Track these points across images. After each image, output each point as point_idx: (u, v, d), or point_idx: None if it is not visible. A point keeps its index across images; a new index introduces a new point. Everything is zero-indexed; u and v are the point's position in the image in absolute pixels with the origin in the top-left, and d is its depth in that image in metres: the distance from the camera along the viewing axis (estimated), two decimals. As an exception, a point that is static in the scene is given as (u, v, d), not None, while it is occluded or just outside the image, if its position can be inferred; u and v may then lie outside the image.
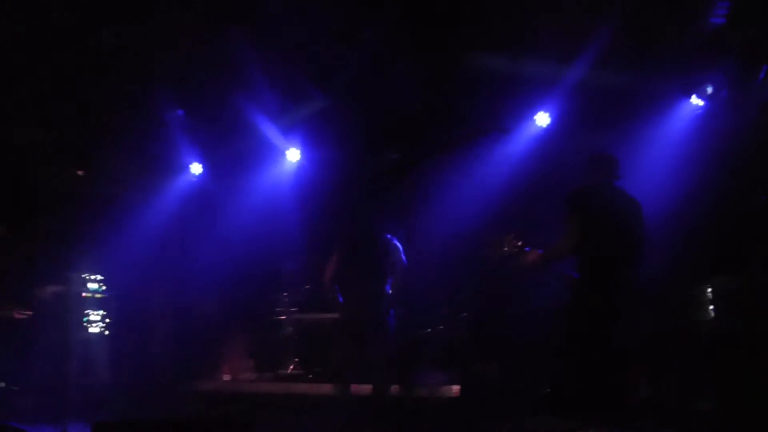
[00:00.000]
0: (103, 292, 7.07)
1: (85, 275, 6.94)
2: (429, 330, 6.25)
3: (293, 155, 7.28)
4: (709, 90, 5.82)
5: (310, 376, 6.74)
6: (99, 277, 7.06)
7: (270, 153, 7.36)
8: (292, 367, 6.94)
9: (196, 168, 7.70)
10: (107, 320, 7.06)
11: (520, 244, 4.19)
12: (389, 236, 4.86)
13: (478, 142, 5.63)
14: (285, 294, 7.24)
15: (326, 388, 5.98)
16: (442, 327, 6.25)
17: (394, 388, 4.87)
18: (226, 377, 7.19)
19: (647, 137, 5.85)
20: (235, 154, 7.45)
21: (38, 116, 6.37)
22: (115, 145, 7.19)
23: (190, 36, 5.88)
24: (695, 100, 5.94)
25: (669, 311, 5.13)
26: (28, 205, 6.86)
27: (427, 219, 5.27)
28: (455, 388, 5.41)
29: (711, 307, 5.02)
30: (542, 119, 6.32)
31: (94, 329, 6.96)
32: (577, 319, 4.05)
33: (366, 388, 4.86)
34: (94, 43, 5.90)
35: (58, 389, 5.89)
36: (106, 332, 7.03)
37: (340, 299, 4.98)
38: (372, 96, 6.01)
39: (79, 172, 7.01)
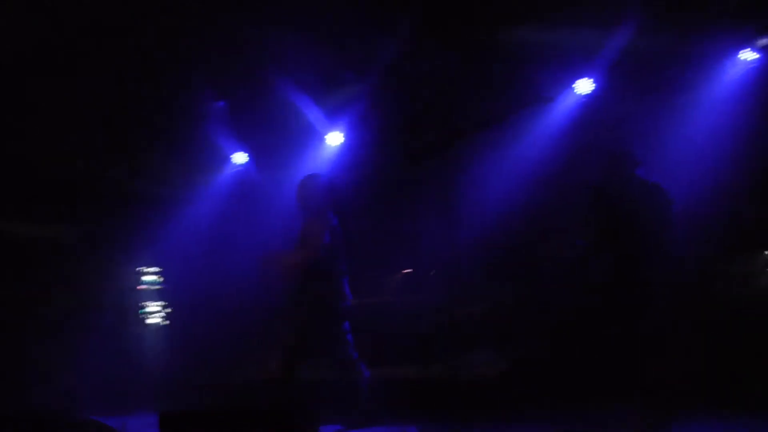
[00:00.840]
0: (159, 284, 7.26)
1: (142, 269, 7.14)
2: (475, 309, 6.26)
3: (334, 139, 7.30)
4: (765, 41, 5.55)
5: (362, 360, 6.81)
6: (155, 269, 7.24)
7: (312, 138, 7.39)
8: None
9: (239, 158, 7.79)
10: (165, 312, 7.25)
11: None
12: None
13: (520, 114, 5.54)
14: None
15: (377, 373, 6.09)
16: (488, 306, 6.24)
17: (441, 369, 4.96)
18: (275, 366, 7.29)
19: (696, 101, 5.67)
20: (277, 141, 7.50)
21: (87, 120, 6.51)
22: (161, 143, 7.31)
23: (228, 26, 5.91)
24: (747, 55, 5.68)
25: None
26: (84, 206, 7.05)
27: (470, 197, 5.23)
28: (503, 368, 5.39)
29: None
30: (584, 86, 6.20)
31: (152, 321, 7.16)
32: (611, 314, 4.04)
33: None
34: (136, 41, 6.00)
35: (122, 381, 6.09)
36: (164, 323, 7.22)
37: None
38: (409, 75, 5.97)
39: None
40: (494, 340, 5.78)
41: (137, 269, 7.12)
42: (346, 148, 7.25)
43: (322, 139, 7.38)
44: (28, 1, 5.16)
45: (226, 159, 7.81)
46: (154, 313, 7.19)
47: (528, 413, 4.75)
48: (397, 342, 6.38)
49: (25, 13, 5.24)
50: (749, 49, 5.67)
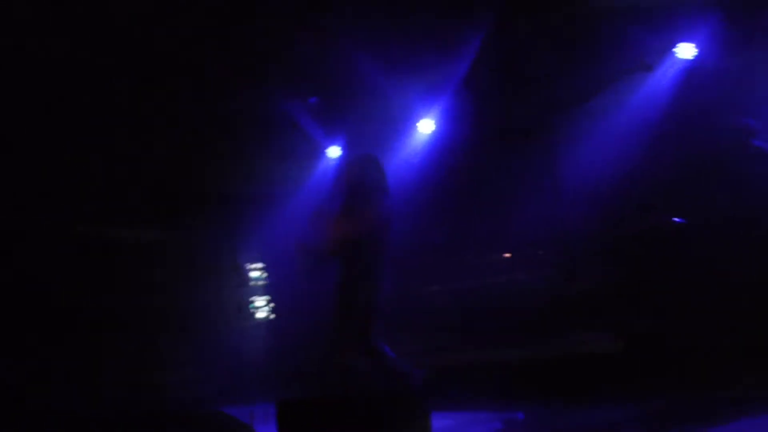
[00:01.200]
0: (265, 279, 7.48)
1: (248, 264, 7.39)
2: (582, 284, 6.11)
3: (426, 126, 7.28)
4: None
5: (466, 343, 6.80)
6: (260, 264, 7.47)
7: (403, 127, 7.39)
8: (445, 336, 7.02)
9: (334, 152, 7.89)
10: (271, 305, 7.47)
11: None
12: None
13: (618, 84, 5.33)
14: (434, 265, 7.31)
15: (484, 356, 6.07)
16: (595, 281, 6.08)
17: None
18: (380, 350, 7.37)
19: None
20: (369, 131, 7.54)
21: (189, 124, 6.75)
22: (260, 142, 7.51)
23: (319, 20, 5.98)
24: None
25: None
26: (191, 207, 7.33)
27: (572, 173, 5.11)
28: (616, 346, 5.24)
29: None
30: (686, 51, 5.88)
31: (260, 314, 7.39)
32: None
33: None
34: (228, 41, 6.17)
35: (237, 373, 6.32)
36: (272, 316, 7.44)
37: None
38: (502, 53, 5.86)
39: None
40: (606, 318, 5.62)
41: (244, 266, 7.36)
42: (440, 133, 7.22)
43: (413, 127, 7.38)
44: (131, 9, 5.38)
45: (322, 153, 7.93)
46: (262, 307, 7.42)
47: (643, 392, 4.60)
48: (503, 324, 6.32)
49: (126, 19, 5.47)
50: None
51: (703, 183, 4.97)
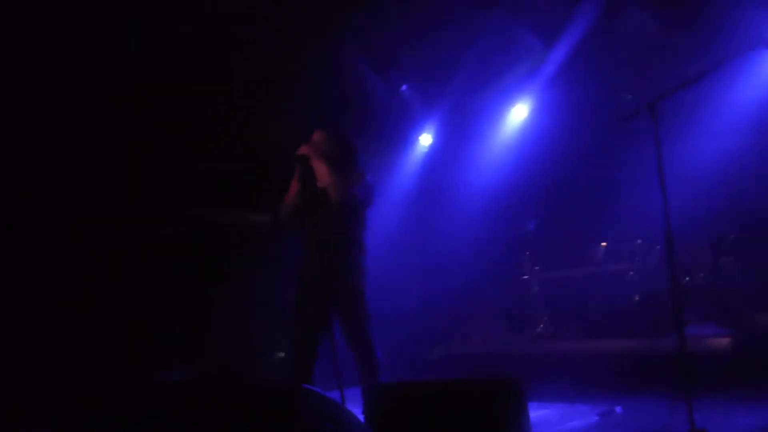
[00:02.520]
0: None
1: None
2: (687, 278, 5.89)
3: (520, 113, 7.16)
4: None
5: (562, 334, 6.69)
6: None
7: (497, 112, 7.30)
8: (542, 326, 6.92)
9: (425, 139, 7.88)
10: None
11: None
12: None
13: (731, 65, 5.03)
14: (527, 253, 7.23)
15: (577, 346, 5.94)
16: (702, 274, 5.85)
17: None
18: (478, 340, 7.35)
19: None
20: (462, 118, 7.49)
21: (286, 116, 6.87)
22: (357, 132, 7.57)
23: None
24: None
25: None
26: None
27: (679, 159, 4.87)
28: (726, 341, 5.02)
29: None
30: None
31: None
32: None
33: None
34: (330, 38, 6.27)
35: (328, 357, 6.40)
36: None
37: None
38: (606, 34, 5.68)
39: None
40: (718, 310, 5.38)
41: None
42: (534, 121, 7.08)
43: (505, 114, 7.28)
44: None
45: (414, 141, 7.93)
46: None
47: (756, 391, 4.38)
48: (603, 314, 6.17)
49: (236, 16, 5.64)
50: None
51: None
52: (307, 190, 4.03)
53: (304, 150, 4.07)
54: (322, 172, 3.98)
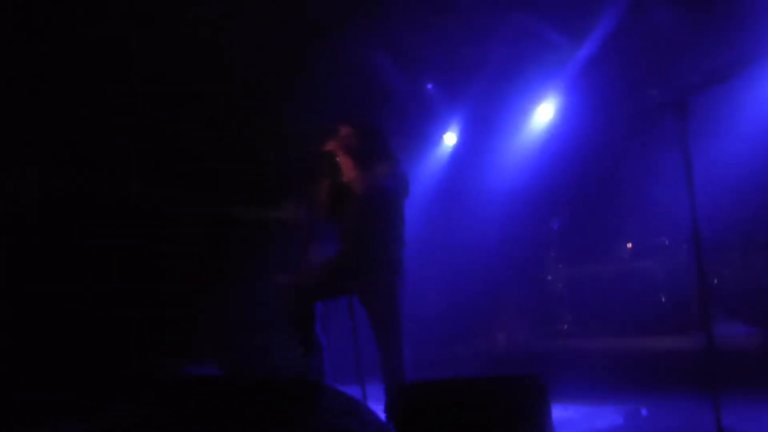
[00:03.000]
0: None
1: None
2: (716, 278, 5.80)
3: (546, 111, 7.12)
4: None
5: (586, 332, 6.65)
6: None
7: (522, 111, 7.27)
8: (565, 324, 6.89)
9: (450, 138, 7.86)
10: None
11: None
12: None
13: (762, 63, 4.95)
14: (552, 252, 7.19)
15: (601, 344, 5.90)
16: (731, 273, 5.77)
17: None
18: (502, 338, 7.32)
19: None
20: (487, 116, 7.47)
21: (312, 113, 6.91)
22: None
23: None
24: None
25: None
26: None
27: (708, 157, 4.80)
28: (755, 341, 4.95)
29: None
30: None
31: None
32: None
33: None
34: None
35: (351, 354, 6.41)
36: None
37: None
38: (632, 31, 5.62)
39: None
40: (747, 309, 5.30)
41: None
42: (560, 119, 7.03)
43: (531, 113, 7.24)
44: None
45: (438, 140, 7.92)
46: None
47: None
48: (629, 313, 6.11)
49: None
50: None
51: None
52: (335, 187, 4.01)
53: (330, 146, 4.03)
54: (348, 167, 3.93)
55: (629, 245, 6.72)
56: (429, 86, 7.42)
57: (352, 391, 4.45)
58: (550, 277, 7.21)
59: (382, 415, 3.24)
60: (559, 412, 4.26)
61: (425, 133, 7.86)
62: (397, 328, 3.92)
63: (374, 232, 3.96)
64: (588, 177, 6.84)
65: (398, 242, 4.03)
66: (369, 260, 3.93)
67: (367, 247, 3.95)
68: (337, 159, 3.98)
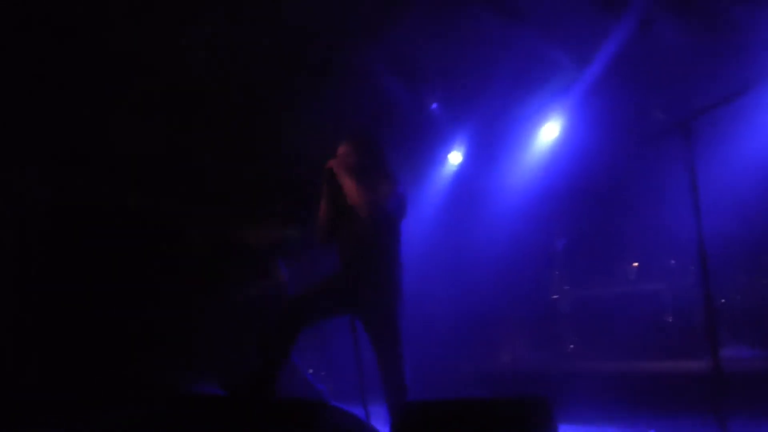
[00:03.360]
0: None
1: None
2: (723, 300, 5.77)
3: (551, 131, 7.12)
4: None
5: (592, 353, 6.61)
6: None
7: (527, 130, 7.28)
8: (569, 345, 6.85)
9: (455, 157, 7.86)
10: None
11: None
12: None
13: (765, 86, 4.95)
14: (557, 272, 7.17)
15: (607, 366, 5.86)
16: (738, 296, 5.74)
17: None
18: (506, 358, 7.29)
19: None
20: (492, 136, 7.48)
21: (314, 130, 6.93)
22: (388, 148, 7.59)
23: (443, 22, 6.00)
24: None
25: None
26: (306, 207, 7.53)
27: (716, 178, 4.81)
28: (762, 364, 4.91)
29: None
30: None
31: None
32: None
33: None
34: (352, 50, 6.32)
35: (354, 374, 6.38)
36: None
37: None
38: (638, 52, 5.64)
39: None
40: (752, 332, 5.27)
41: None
42: (566, 139, 7.03)
43: (536, 132, 7.24)
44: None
45: (443, 159, 7.93)
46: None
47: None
48: (635, 335, 6.07)
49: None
50: None
51: None
52: (335, 207, 3.99)
53: (330, 165, 3.99)
54: (350, 188, 3.86)
55: (635, 266, 6.70)
56: (434, 106, 7.44)
57: (355, 409, 4.43)
58: (555, 297, 7.18)
59: (387, 435, 3.22)
60: (564, 434, 4.24)
61: (430, 152, 7.87)
62: (398, 348, 3.88)
63: (374, 254, 3.93)
64: (594, 197, 6.84)
65: (397, 264, 4.00)
66: (369, 284, 3.90)
67: (368, 271, 3.91)
68: (338, 179, 3.93)
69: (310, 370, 6.63)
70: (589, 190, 6.80)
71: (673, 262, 6.25)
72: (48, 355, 5.42)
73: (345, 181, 3.89)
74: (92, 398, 5.29)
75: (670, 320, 6.04)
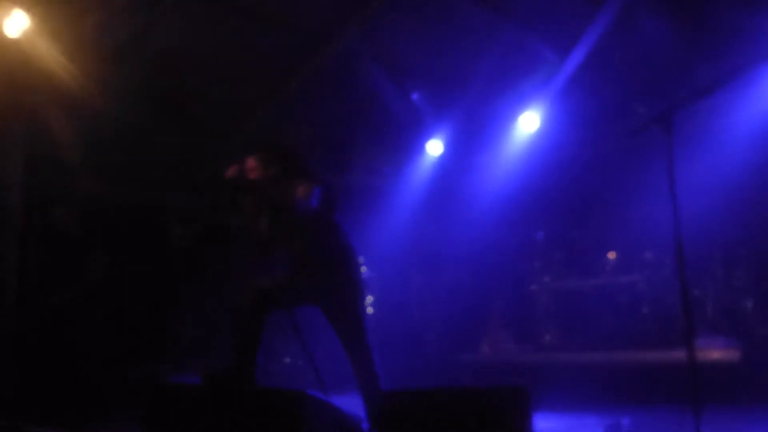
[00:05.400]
0: (366, 273, 7.57)
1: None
2: (696, 291, 5.86)
3: (531, 122, 7.13)
4: None
5: (569, 344, 6.68)
6: (361, 259, 7.54)
7: (507, 122, 7.29)
8: (548, 336, 6.92)
9: (434, 147, 7.86)
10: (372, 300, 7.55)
11: None
12: None
13: (745, 77, 5.00)
14: (536, 263, 7.23)
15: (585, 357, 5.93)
16: (713, 287, 5.83)
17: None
18: (486, 349, 7.33)
19: None
20: (472, 127, 7.49)
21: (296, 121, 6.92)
22: (369, 139, 7.61)
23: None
24: None
25: None
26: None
27: (692, 170, 4.86)
28: (735, 354, 4.99)
29: None
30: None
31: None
32: None
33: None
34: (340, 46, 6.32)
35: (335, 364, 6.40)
36: (371, 311, 7.51)
37: None
38: (619, 45, 5.68)
39: None
40: (727, 322, 5.35)
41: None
42: (546, 130, 7.05)
43: (516, 123, 7.26)
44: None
45: (423, 150, 7.93)
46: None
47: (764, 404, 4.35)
48: (612, 326, 6.15)
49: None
50: None
51: None
52: (258, 213, 3.98)
53: (231, 173, 3.96)
54: (268, 192, 3.91)
55: (613, 257, 6.77)
56: (414, 96, 7.43)
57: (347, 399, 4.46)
58: (534, 288, 7.23)
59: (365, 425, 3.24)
60: (541, 422, 4.29)
61: (409, 142, 7.87)
62: (363, 335, 3.90)
63: (326, 248, 3.93)
64: (573, 189, 6.88)
65: (346, 253, 3.98)
66: (322, 277, 3.90)
67: (318, 266, 3.90)
68: (246, 186, 3.95)
69: (287, 359, 6.64)
70: (568, 182, 6.85)
71: (650, 254, 6.32)
72: (28, 347, 5.40)
73: (259, 188, 3.93)
74: (75, 390, 5.29)
75: (646, 311, 6.11)
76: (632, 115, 6.21)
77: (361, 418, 3.66)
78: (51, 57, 5.26)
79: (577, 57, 6.07)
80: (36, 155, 5.63)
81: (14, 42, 5.05)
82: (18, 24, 5.02)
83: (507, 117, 7.23)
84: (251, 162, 4.01)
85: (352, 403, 3.83)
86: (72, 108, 5.63)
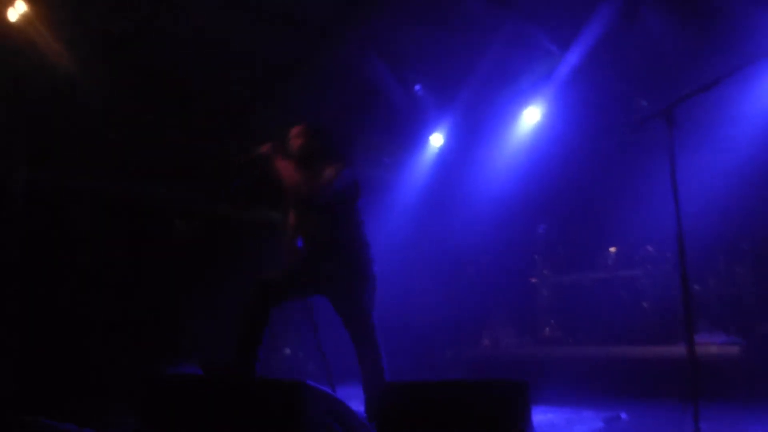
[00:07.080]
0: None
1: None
2: (698, 286, 5.85)
3: (533, 116, 7.13)
4: None
5: (570, 338, 6.68)
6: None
7: (509, 115, 7.28)
8: (548, 329, 6.92)
9: (437, 140, 7.86)
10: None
11: None
12: None
13: (748, 72, 4.98)
14: (537, 257, 7.22)
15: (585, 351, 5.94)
16: (714, 282, 5.82)
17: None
18: (487, 342, 7.33)
19: None
20: (474, 120, 7.47)
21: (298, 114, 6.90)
22: (369, 130, 7.59)
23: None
24: None
25: None
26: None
27: (694, 165, 4.85)
28: (736, 350, 4.99)
29: None
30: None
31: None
32: None
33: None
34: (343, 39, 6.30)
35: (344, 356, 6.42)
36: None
37: None
38: (621, 40, 5.66)
39: None
40: (728, 318, 5.35)
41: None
42: (548, 124, 7.05)
43: (518, 117, 7.25)
44: None
45: (425, 141, 7.92)
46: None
47: (765, 400, 4.34)
48: (612, 320, 6.14)
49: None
50: None
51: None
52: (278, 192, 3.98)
53: (264, 150, 3.99)
54: (288, 171, 3.89)
55: (613, 252, 6.76)
56: (417, 87, 7.41)
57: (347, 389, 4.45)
58: (534, 281, 7.23)
59: (363, 416, 3.23)
60: (540, 416, 4.29)
61: (412, 134, 7.86)
62: (371, 327, 3.89)
63: (339, 237, 3.91)
64: (574, 184, 6.88)
65: (359, 244, 3.97)
66: (332, 266, 3.89)
67: (329, 253, 3.89)
68: (274, 163, 3.93)
69: (287, 350, 6.64)
70: (569, 175, 6.84)
71: (650, 248, 6.31)
72: (29, 343, 5.41)
73: (284, 165, 3.92)
74: (75, 383, 5.30)
75: (647, 306, 6.11)
76: (635, 108, 6.19)
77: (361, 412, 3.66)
78: (51, 45, 5.24)
79: (579, 50, 6.04)
80: (36, 148, 5.62)
81: (15, 28, 5.03)
82: (18, 10, 5.01)
83: (509, 110, 7.23)
84: (296, 129, 4.05)
85: (356, 395, 3.84)
86: (71, 98, 5.61)
